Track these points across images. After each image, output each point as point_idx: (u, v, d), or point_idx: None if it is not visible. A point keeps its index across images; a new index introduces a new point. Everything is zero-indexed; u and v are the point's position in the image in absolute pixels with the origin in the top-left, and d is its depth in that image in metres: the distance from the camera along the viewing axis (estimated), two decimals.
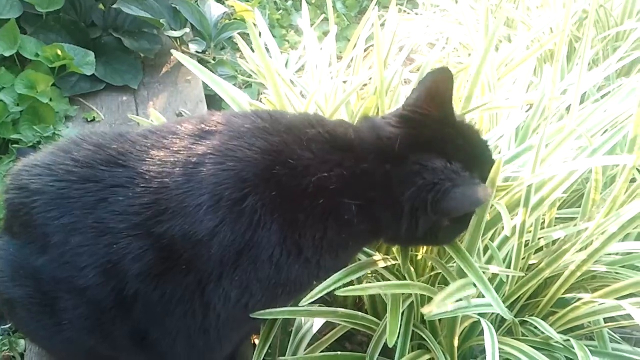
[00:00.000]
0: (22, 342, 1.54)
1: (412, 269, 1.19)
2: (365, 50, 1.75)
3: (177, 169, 1.07)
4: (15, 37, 2.15)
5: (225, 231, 1.03)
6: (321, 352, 1.25)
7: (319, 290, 1.09)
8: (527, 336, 1.22)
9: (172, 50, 1.61)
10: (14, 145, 2.02)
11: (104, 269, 1.07)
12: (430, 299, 1.16)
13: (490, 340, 1.03)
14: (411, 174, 1.06)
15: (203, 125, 1.13)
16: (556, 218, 1.34)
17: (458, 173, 1.06)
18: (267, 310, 1.14)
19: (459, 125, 1.15)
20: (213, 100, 2.33)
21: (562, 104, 1.43)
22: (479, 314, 1.10)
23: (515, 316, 1.20)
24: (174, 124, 1.18)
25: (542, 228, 1.27)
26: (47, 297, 1.13)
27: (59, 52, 2.13)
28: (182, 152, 1.09)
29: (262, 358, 1.26)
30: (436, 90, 1.12)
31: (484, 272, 1.18)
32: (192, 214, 1.03)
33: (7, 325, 1.60)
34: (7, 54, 2.15)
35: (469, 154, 1.11)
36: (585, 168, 1.18)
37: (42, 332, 1.22)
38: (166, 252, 1.05)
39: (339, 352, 1.24)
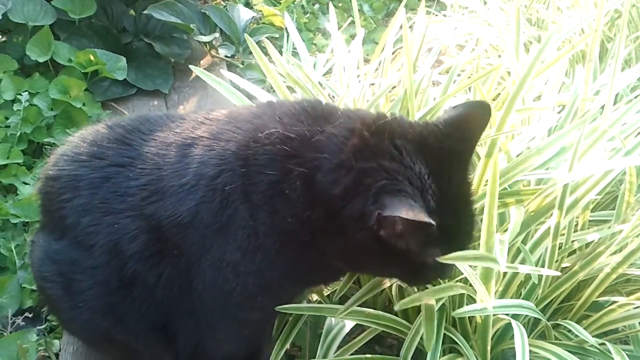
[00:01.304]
0: (57, 342, 1.57)
1: None
2: (393, 53, 1.75)
3: (172, 150, 1.11)
4: (49, 44, 2.20)
5: (203, 211, 1.04)
6: (351, 354, 1.25)
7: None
8: (560, 340, 1.20)
9: (191, 67, 1.66)
10: (48, 148, 2.06)
11: (108, 248, 1.10)
12: (461, 300, 1.16)
13: (520, 341, 1.02)
14: (383, 156, 0.97)
15: (209, 114, 1.17)
16: (590, 221, 1.32)
17: (429, 204, 0.95)
18: (288, 306, 1.17)
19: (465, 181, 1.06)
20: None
21: (595, 105, 1.41)
22: (512, 316, 1.09)
23: (548, 320, 1.18)
24: (190, 112, 1.22)
25: (575, 231, 1.26)
26: (66, 279, 1.17)
27: (92, 57, 2.17)
28: (180, 134, 1.13)
29: (280, 358, 1.26)
30: (465, 123, 1.03)
31: (514, 277, 1.18)
32: (177, 195, 1.05)
33: (43, 326, 1.63)
34: (41, 60, 2.20)
35: (449, 199, 0.99)
36: (621, 168, 1.17)
37: (65, 316, 1.26)
38: (157, 233, 1.07)
39: (368, 355, 1.24)
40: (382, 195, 0.94)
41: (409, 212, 0.88)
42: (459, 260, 1.01)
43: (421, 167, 0.97)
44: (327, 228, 1.02)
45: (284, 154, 1.01)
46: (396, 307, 1.15)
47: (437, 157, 1.00)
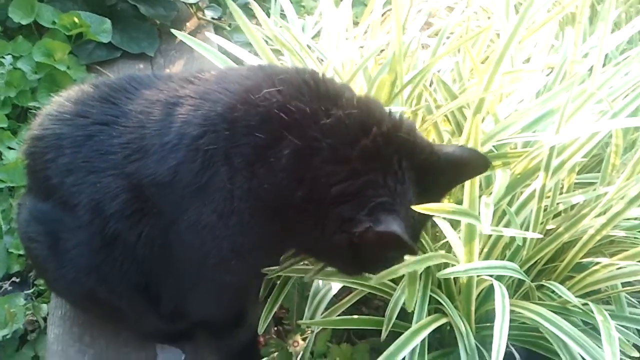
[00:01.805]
0: (44, 306, 1.57)
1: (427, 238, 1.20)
2: (382, 15, 1.72)
3: (156, 108, 1.09)
4: (32, 6, 2.16)
5: (183, 171, 1.02)
6: (338, 315, 1.26)
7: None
8: (544, 301, 1.21)
9: (174, 31, 1.62)
10: (32, 113, 2.03)
11: (91, 207, 1.10)
12: (446, 264, 1.16)
13: (500, 302, 1.02)
14: (389, 172, 0.98)
15: (197, 74, 1.15)
16: (575, 183, 1.32)
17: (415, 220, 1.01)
18: (274, 268, 1.18)
19: None
20: None
21: (584, 67, 1.40)
22: (497, 278, 1.10)
23: (532, 281, 1.19)
24: (179, 73, 1.21)
25: (561, 193, 1.26)
26: (51, 239, 1.18)
27: (76, 19, 2.14)
28: (166, 93, 1.11)
29: (269, 320, 1.27)
30: (462, 166, 1.06)
31: (498, 239, 1.19)
32: (158, 153, 1.04)
33: (30, 291, 1.63)
34: (24, 22, 2.16)
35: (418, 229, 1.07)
36: (607, 130, 1.17)
37: (51, 276, 1.27)
38: (137, 192, 1.06)
39: (355, 316, 1.25)
40: (378, 211, 0.95)
41: (403, 232, 0.92)
42: (438, 212, 1.02)
43: (412, 196, 0.99)
44: (303, 209, 1.01)
45: (280, 120, 0.98)
46: (372, 282, 1.16)
47: (429, 189, 1.02)
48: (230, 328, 1.33)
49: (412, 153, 1.01)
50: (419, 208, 0.98)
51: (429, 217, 1.07)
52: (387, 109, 1.06)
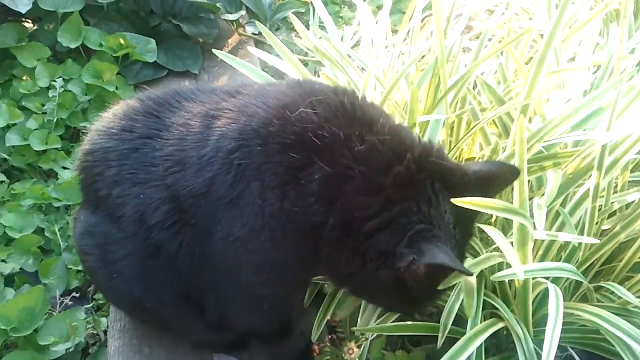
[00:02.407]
0: (104, 320, 1.62)
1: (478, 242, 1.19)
2: (421, 22, 1.73)
3: (196, 121, 1.11)
4: (80, 29, 2.24)
5: (217, 183, 1.04)
6: (392, 322, 1.26)
7: None
8: (603, 302, 1.19)
9: (215, 51, 1.65)
10: (84, 133, 2.10)
11: (135, 218, 1.13)
12: (500, 265, 1.15)
13: (555, 304, 1.00)
14: (422, 197, 0.98)
15: (239, 87, 1.17)
16: (629, 181, 1.30)
17: (454, 248, 1.00)
18: None
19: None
20: None
21: (631, 63, 1.38)
22: (553, 280, 1.09)
23: (590, 282, 1.17)
24: (222, 85, 1.23)
25: (615, 192, 1.24)
26: (101, 251, 1.21)
27: (122, 41, 2.20)
28: (207, 106, 1.13)
29: (322, 328, 1.27)
30: (492, 180, 1.07)
31: (553, 240, 1.17)
32: (195, 165, 1.06)
33: (90, 305, 1.68)
34: (73, 45, 2.24)
35: (463, 245, 1.06)
36: None
37: (103, 287, 1.34)
38: (176, 202, 1.08)
39: (409, 322, 1.24)
40: (418, 241, 0.95)
41: (450, 260, 0.91)
42: (487, 208, 1.01)
43: (449, 217, 1.00)
44: (337, 238, 1.01)
45: (312, 144, 0.99)
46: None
47: (463, 209, 1.00)
48: (278, 337, 1.34)
49: (443, 176, 1.01)
50: (464, 202, 0.97)
51: (471, 235, 1.07)
52: (416, 135, 1.08)
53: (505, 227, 1.29)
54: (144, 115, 1.18)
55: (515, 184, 1.08)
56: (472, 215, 1.06)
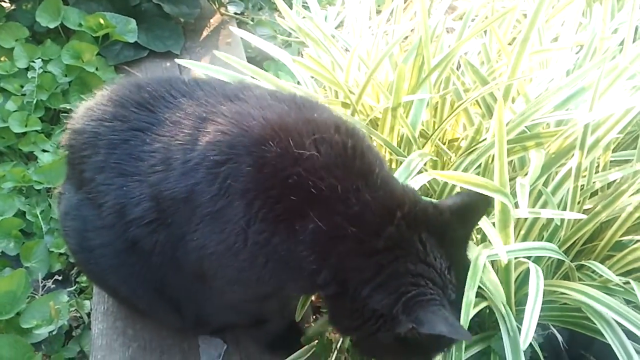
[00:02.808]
0: (87, 303, 1.61)
1: None
2: (404, 2, 1.72)
3: (189, 121, 1.08)
4: (59, 9, 2.20)
5: (198, 192, 1.00)
6: None
7: None
8: (584, 281, 1.21)
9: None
10: (64, 115, 2.07)
11: (115, 210, 1.11)
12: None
13: (535, 282, 1.01)
14: (412, 255, 0.97)
15: (240, 92, 1.13)
16: (611, 161, 1.31)
17: (450, 298, 0.98)
18: None
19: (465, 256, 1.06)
20: (254, 62, 2.33)
21: (614, 43, 1.38)
22: (536, 259, 1.10)
23: (572, 261, 1.18)
24: (225, 82, 1.21)
25: (597, 172, 1.25)
26: (80, 237, 1.21)
27: (102, 21, 2.17)
28: (202, 107, 1.10)
29: (305, 308, 1.28)
30: (469, 211, 1.04)
31: (536, 220, 1.18)
32: (179, 169, 1.03)
33: (73, 288, 1.67)
34: (51, 26, 2.20)
35: (461, 280, 1.02)
36: None
37: (84, 269, 1.35)
38: (156, 201, 1.06)
39: None
40: (414, 309, 0.94)
41: (449, 328, 0.90)
42: (463, 182, 1.02)
43: (442, 263, 0.98)
44: (332, 295, 1.02)
45: (310, 193, 0.95)
46: None
47: (453, 247, 1.00)
48: (257, 325, 1.35)
49: (428, 225, 0.99)
50: (445, 176, 0.96)
51: (467, 267, 1.03)
52: (403, 184, 1.06)
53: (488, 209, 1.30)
54: (138, 107, 1.15)
55: (496, 164, 1.08)
56: (462, 243, 1.05)
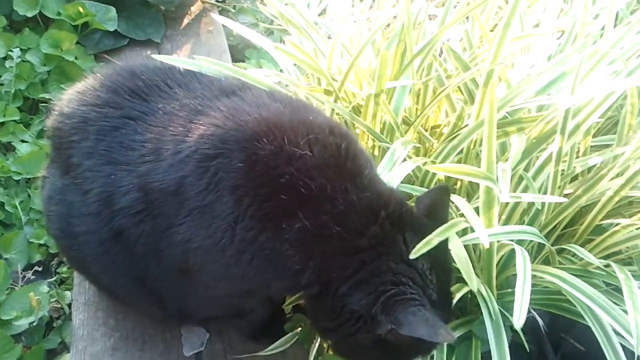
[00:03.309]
0: (68, 293, 1.60)
1: None
2: None
3: (182, 112, 1.07)
4: None
5: (187, 185, 1.00)
6: None
7: None
8: (564, 265, 1.21)
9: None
10: (43, 105, 2.05)
11: (101, 197, 1.09)
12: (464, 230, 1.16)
13: (522, 264, 1.01)
14: (394, 254, 0.97)
15: (237, 88, 1.13)
16: (592, 147, 1.32)
17: (431, 297, 0.98)
18: None
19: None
20: (236, 50, 2.32)
21: (595, 29, 1.39)
22: (516, 242, 1.10)
23: (552, 245, 1.19)
24: (225, 79, 1.19)
25: (577, 157, 1.25)
26: (64, 222, 1.19)
27: (81, 9, 2.14)
28: (198, 100, 1.09)
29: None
30: (438, 203, 1.05)
31: (517, 204, 1.18)
32: (169, 159, 1.02)
33: (53, 279, 1.65)
34: (30, 14, 2.17)
35: (446, 292, 1.04)
36: (622, 89, 1.15)
37: (66, 255, 1.33)
38: (144, 192, 1.05)
39: None
40: (393, 308, 0.94)
41: (428, 331, 0.90)
42: (456, 173, 1.01)
43: (424, 264, 0.98)
44: (315, 295, 1.02)
45: (300, 192, 0.95)
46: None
47: (436, 251, 0.99)
48: (239, 317, 1.34)
49: (413, 224, 1.01)
50: (435, 168, 0.97)
51: (450, 270, 1.05)
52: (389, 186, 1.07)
53: (470, 193, 1.30)
54: (131, 95, 1.13)
55: (484, 148, 1.08)
56: (444, 244, 1.03)
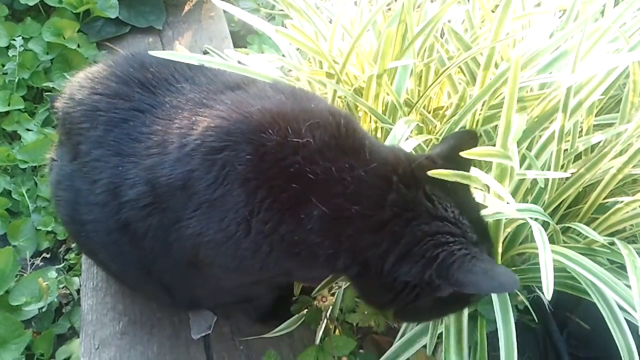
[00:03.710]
0: (76, 279, 1.61)
1: None
2: None
3: (188, 106, 1.08)
4: None
5: (195, 179, 0.99)
6: None
7: None
8: (569, 244, 1.21)
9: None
10: (47, 94, 2.05)
11: (109, 188, 1.10)
12: None
13: (540, 238, 0.99)
14: (422, 215, 0.95)
15: (242, 82, 1.13)
16: (594, 125, 1.31)
17: (473, 240, 0.97)
18: None
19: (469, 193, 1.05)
20: (238, 36, 2.32)
21: (596, 7, 1.38)
22: (519, 224, 1.10)
23: (556, 224, 1.19)
24: (225, 74, 1.19)
25: (580, 136, 1.25)
26: (71, 209, 1.20)
27: None
28: (204, 93, 1.10)
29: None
30: (460, 149, 1.01)
31: (521, 181, 1.18)
32: (175, 153, 1.02)
33: (61, 265, 1.67)
34: (31, 3, 2.17)
35: (481, 226, 1.03)
36: (624, 65, 1.14)
37: (75, 239, 1.35)
38: (151, 186, 1.05)
39: None
40: (448, 271, 0.92)
41: (491, 284, 0.90)
42: (477, 155, 1.01)
43: (454, 210, 0.97)
44: (357, 274, 1.01)
45: (309, 178, 0.94)
46: None
47: (457, 191, 0.99)
48: (247, 302, 1.36)
49: (428, 177, 0.98)
50: (465, 154, 0.97)
51: (478, 207, 1.04)
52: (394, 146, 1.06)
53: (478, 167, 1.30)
54: (141, 87, 1.14)
55: (500, 126, 1.07)
56: (465, 185, 1.02)
